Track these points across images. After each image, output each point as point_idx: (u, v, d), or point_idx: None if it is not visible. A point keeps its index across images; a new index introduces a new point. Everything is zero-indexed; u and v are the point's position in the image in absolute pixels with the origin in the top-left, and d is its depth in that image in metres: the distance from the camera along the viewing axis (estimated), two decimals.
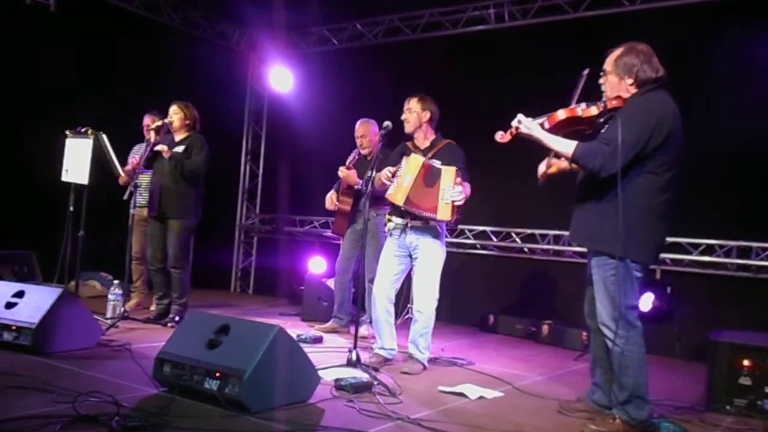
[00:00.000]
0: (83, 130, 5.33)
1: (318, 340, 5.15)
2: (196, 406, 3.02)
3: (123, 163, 5.57)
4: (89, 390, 3.04)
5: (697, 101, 5.55)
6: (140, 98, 6.37)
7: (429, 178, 4.20)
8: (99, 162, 5.32)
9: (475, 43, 7.05)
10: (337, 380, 3.60)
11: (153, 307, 5.60)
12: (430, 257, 4.34)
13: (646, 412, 3.15)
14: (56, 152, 5.42)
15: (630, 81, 3.17)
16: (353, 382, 3.55)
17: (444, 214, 4.16)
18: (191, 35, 7.83)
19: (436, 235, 4.34)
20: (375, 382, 3.66)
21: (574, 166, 3.36)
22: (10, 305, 3.99)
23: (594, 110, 3.17)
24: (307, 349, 3.56)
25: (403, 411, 3.24)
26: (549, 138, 3.14)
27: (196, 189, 5.35)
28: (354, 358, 4.02)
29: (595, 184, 3.16)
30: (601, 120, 3.18)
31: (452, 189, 4.14)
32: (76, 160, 5.30)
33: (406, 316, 4.50)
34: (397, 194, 4.21)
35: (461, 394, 3.72)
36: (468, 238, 6.99)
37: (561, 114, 3.17)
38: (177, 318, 5.19)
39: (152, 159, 5.34)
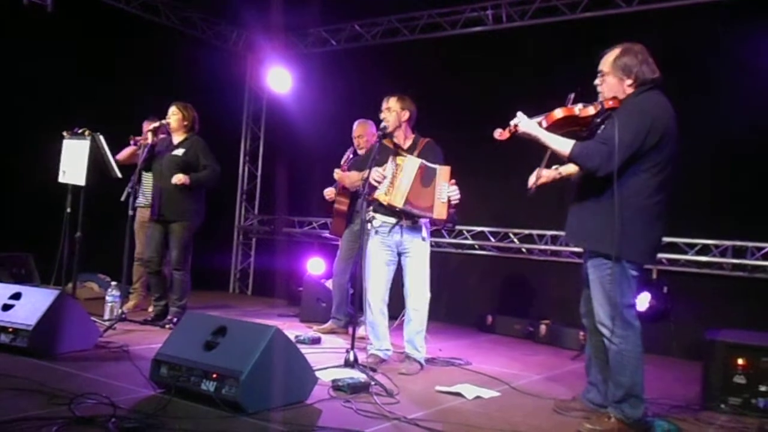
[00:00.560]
0: (80, 131, 5.33)
1: (316, 341, 5.16)
2: (193, 407, 3.02)
3: (120, 166, 5.56)
4: (86, 392, 3.05)
5: (693, 101, 5.55)
6: (138, 99, 6.39)
7: (425, 178, 4.24)
8: (96, 163, 5.32)
9: (473, 44, 7.06)
10: (334, 381, 3.60)
11: (151, 309, 5.61)
12: (422, 256, 4.40)
13: (641, 411, 3.17)
14: (53, 154, 5.43)
15: (629, 82, 3.18)
16: (350, 383, 3.56)
17: (440, 212, 4.20)
18: (189, 36, 7.83)
19: (423, 233, 4.41)
20: (372, 383, 3.67)
21: (564, 174, 3.37)
22: (7, 307, 3.99)
23: (591, 110, 3.18)
24: (305, 349, 3.57)
25: (400, 411, 3.25)
26: (547, 136, 3.14)
27: (198, 191, 5.35)
28: (351, 358, 4.03)
29: (590, 184, 3.17)
30: (598, 120, 3.18)
31: (447, 187, 4.20)
32: (73, 161, 5.30)
33: (402, 317, 4.49)
34: (395, 196, 4.22)
35: (458, 394, 3.73)
36: (466, 238, 6.99)
37: (558, 113, 3.18)
38: (175, 319, 5.19)
39: (151, 161, 5.35)
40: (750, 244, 5.60)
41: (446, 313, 6.88)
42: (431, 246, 4.55)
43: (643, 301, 5.43)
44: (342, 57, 8.01)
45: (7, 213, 6.10)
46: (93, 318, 4.51)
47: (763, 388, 3.74)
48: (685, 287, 5.71)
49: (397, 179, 4.24)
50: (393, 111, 4.40)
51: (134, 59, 7.04)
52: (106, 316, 5.21)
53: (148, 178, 5.69)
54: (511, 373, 4.52)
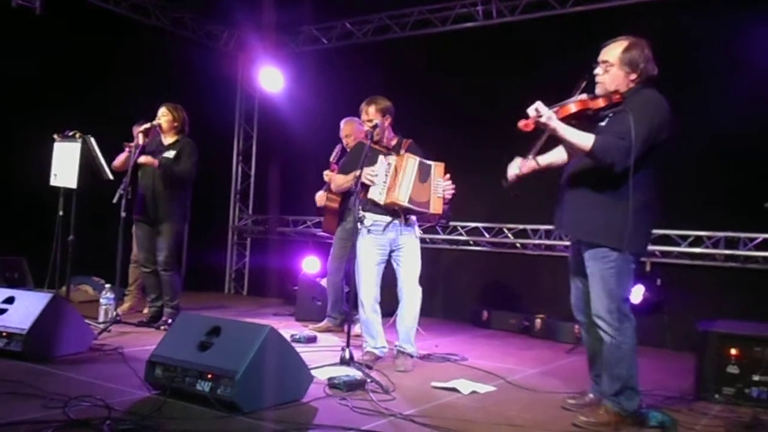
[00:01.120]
0: (71, 133, 5.32)
1: (312, 339, 5.16)
2: (189, 407, 3.02)
3: (115, 172, 5.55)
4: (81, 394, 3.04)
5: (684, 95, 5.56)
6: (129, 101, 6.37)
7: (422, 174, 4.29)
8: (88, 166, 5.31)
9: (464, 40, 7.06)
10: (330, 379, 3.61)
11: (146, 310, 5.60)
12: (415, 254, 4.44)
13: (636, 403, 3.19)
14: (44, 157, 5.41)
15: (634, 76, 3.17)
16: (346, 381, 3.56)
17: (436, 207, 4.28)
18: (180, 36, 7.82)
19: (416, 230, 4.48)
20: (368, 380, 3.67)
21: (542, 165, 3.35)
22: (0, 311, 3.98)
23: (600, 102, 3.16)
24: (300, 348, 3.58)
25: (396, 407, 3.26)
26: (565, 129, 3.07)
27: (185, 192, 5.35)
28: (347, 356, 4.04)
29: (593, 177, 3.14)
30: (604, 114, 3.15)
31: (442, 182, 4.29)
32: (65, 164, 5.29)
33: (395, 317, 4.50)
34: (400, 195, 4.23)
35: (454, 390, 3.74)
36: (461, 234, 7.00)
37: (573, 107, 3.12)
38: (170, 321, 5.19)
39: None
40: (742, 234, 5.64)
41: (442, 309, 6.90)
42: (425, 242, 4.58)
43: (637, 293, 5.45)
44: (333, 55, 8.01)
45: (0, 217, 6.08)
46: (87, 321, 4.49)
47: (756, 378, 3.77)
48: (678, 279, 5.74)
49: (398, 178, 4.25)
50: (374, 121, 4.41)
51: (125, 60, 7.02)
52: (101, 318, 5.19)
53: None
54: (506, 367, 4.54)
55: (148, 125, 5.33)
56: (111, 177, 5.46)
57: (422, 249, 4.58)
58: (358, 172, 4.28)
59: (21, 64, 6.19)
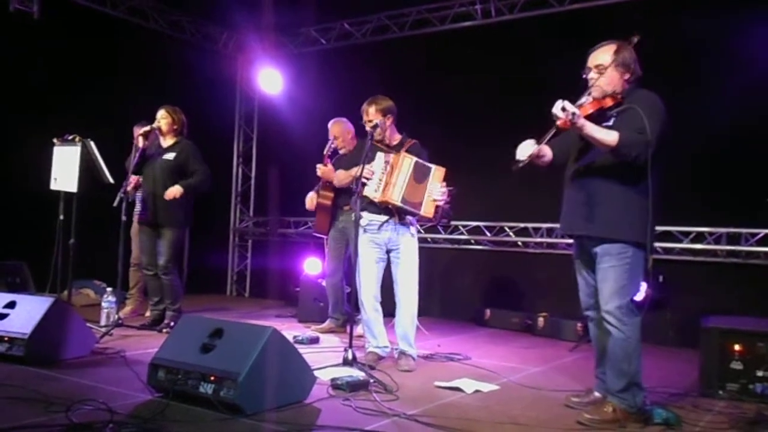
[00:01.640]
0: (71, 137, 5.32)
1: (314, 340, 5.16)
2: (192, 410, 3.02)
3: (112, 171, 5.54)
4: (83, 398, 3.05)
5: (684, 93, 5.57)
6: (129, 104, 6.37)
7: (418, 175, 4.25)
8: (88, 169, 5.31)
9: (463, 39, 7.06)
10: (333, 380, 3.61)
11: (148, 314, 5.60)
12: (411, 255, 4.40)
13: (641, 399, 3.19)
14: (44, 161, 5.41)
15: (627, 76, 3.22)
16: (349, 381, 3.56)
17: (428, 210, 4.24)
18: (178, 39, 7.83)
19: (411, 230, 4.42)
20: (371, 380, 3.67)
21: (543, 154, 3.30)
22: (2, 316, 3.99)
23: (609, 102, 3.18)
24: (303, 349, 3.58)
25: (399, 408, 3.25)
26: (592, 127, 3.05)
27: (187, 196, 5.34)
28: (350, 357, 4.04)
29: (611, 174, 3.14)
30: (610, 113, 3.16)
31: (440, 188, 4.23)
32: (65, 168, 5.29)
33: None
34: (393, 193, 4.22)
35: (457, 389, 3.74)
36: (462, 233, 7.00)
37: (589, 107, 3.14)
38: (172, 324, 5.18)
39: (142, 165, 5.34)
40: (744, 230, 5.63)
41: (443, 308, 6.89)
42: (426, 242, 4.56)
43: (641, 291, 5.42)
44: (332, 56, 8.01)
45: (1, 222, 6.08)
46: (89, 324, 4.51)
47: (760, 374, 3.76)
48: (681, 275, 5.73)
49: (392, 176, 4.24)
50: (374, 121, 4.40)
51: (124, 64, 7.03)
52: (103, 322, 5.19)
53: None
54: (509, 366, 4.54)
55: (147, 128, 5.34)
56: (111, 180, 5.46)
57: (423, 248, 4.58)
58: (358, 170, 4.28)
59: (20, 69, 6.20)
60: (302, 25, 7.97)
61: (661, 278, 5.42)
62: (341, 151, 5.66)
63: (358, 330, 4.80)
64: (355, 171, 4.39)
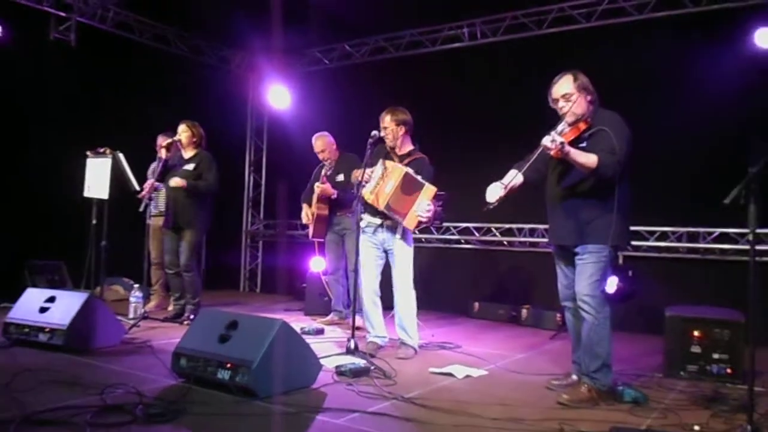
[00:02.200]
0: (102, 150, 5.37)
1: (320, 331, 5.18)
2: (211, 394, 3.05)
3: (139, 179, 5.60)
4: (115, 382, 3.09)
5: (650, 105, 5.65)
6: (152, 120, 6.40)
7: (407, 187, 4.15)
8: (117, 179, 5.35)
9: (453, 59, 7.10)
10: (337, 367, 3.63)
11: (171, 308, 5.63)
12: (404, 255, 4.33)
13: (611, 378, 3.26)
14: (78, 171, 5.46)
15: (590, 98, 3.27)
16: (352, 368, 3.58)
17: (410, 222, 4.14)
18: (196, 61, 7.86)
19: (405, 232, 4.32)
20: (372, 367, 3.69)
21: (514, 187, 3.36)
22: (43, 310, 4.03)
23: (583, 125, 3.23)
24: (309, 339, 3.60)
25: (397, 391, 3.28)
26: (576, 153, 3.09)
27: (205, 202, 5.37)
28: (352, 346, 4.07)
29: (590, 191, 3.21)
30: (584, 136, 3.22)
31: (427, 206, 4.07)
32: (97, 177, 5.33)
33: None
34: (378, 198, 4.21)
35: (450, 374, 3.76)
36: (453, 234, 7.04)
37: (570, 135, 3.18)
38: (192, 316, 5.21)
39: (165, 174, 5.38)
40: (701, 229, 5.71)
41: (436, 302, 6.90)
42: (420, 242, 4.56)
43: (612, 284, 5.47)
44: (335, 74, 8.04)
45: (41, 226, 6.13)
46: (119, 317, 4.54)
47: (716, 356, 3.83)
48: (647, 270, 5.77)
49: (383, 182, 4.22)
50: (390, 129, 4.38)
51: (149, 84, 7.06)
52: (131, 315, 5.23)
53: (162, 192, 5.74)
54: (497, 353, 4.57)
55: (170, 140, 5.39)
56: (138, 188, 5.51)
57: (418, 247, 4.55)
58: (360, 173, 4.28)
59: (59, 90, 6.26)
60: (307, 46, 8.00)
61: (630, 272, 5.46)
62: (326, 162, 5.69)
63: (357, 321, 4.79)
64: (357, 173, 4.36)
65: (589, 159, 3.08)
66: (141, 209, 5.33)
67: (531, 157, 3.24)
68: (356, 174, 4.40)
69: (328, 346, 4.48)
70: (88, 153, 5.41)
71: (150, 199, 5.45)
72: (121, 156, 5.37)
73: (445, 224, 6.92)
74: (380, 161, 4.32)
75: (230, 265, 8.58)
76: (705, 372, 3.83)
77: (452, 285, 6.97)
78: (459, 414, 2.93)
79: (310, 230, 5.69)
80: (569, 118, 3.24)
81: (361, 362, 3.75)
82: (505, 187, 3.33)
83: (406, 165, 4.29)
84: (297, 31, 7.10)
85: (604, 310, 3.21)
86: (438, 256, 7.10)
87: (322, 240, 5.78)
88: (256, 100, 8.76)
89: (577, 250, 3.28)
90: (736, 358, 3.79)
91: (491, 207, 3.33)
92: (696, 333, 3.89)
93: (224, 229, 8.00)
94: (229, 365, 3.07)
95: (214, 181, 5.30)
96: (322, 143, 5.67)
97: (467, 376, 3.75)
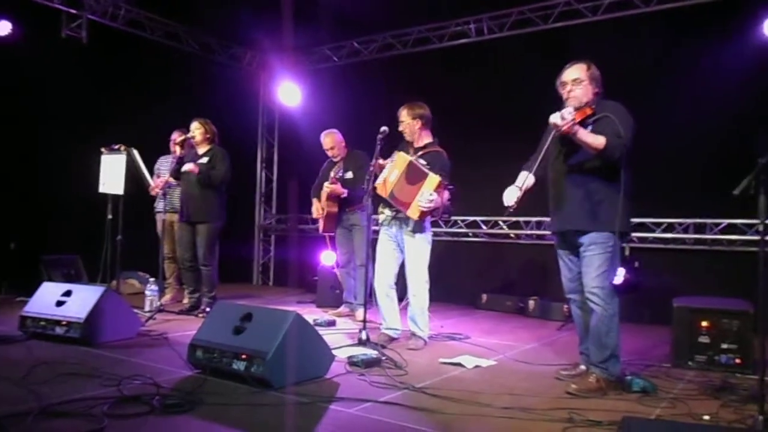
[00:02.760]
0: (117, 147, 5.37)
1: (331, 323, 5.17)
2: (226, 384, 3.05)
3: (152, 173, 5.59)
4: (132, 374, 3.09)
5: (657, 100, 5.58)
6: (166, 117, 6.40)
7: (412, 176, 4.10)
8: (131, 175, 5.36)
9: (461, 55, 7.05)
10: (349, 357, 3.62)
11: (185, 301, 5.64)
12: (416, 248, 4.28)
13: (619, 368, 3.23)
14: (94, 168, 5.47)
15: (597, 90, 3.25)
16: (364, 359, 3.57)
17: (413, 212, 4.06)
18: (208, 59, 7.85)
19: (419, 226, 4.24)
20: (383, 358, 3.68)
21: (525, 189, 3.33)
22: (60, 303, 4.04)
23: (588, 110, 3.18)
24: (321, 331, 3.58)
25: (409, 381, 3.27)
26: (584, 132, 3.06)
27: (220, 195, 5.36)
28: (364, 337, 4.05)
29: (595, 177, 3.16)
30: (588, 121, 3.18)
31: (429, 195, 3.99)
32: (112, 173, 5.34)
33: (408, 300, 4.49)
34: (386, 186, 4.18)
35: (459, 365, 3.75)
36: (461, 227, 7.01)
37: (577, 116, 3.12)
38: (207, 309, 5.21)
39: (179, 170, 5.37)
40: (708, 221, 5.64)
41: (445, 294, 6.87)
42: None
43: (619, 275, 5.42)
44: (344, 71, 8.01)
45: (58, 221, 6.14)
46: (135, 310, 4.55)
47: (724, 346, 3.79)
48: (654, 261, 5.73)
49: (389, 172, 4.20)
50: (406, 123, 4.35)
51: (161, 81, 7.05)
52: (146, 308, 5.24)
53: (174, 188, 5.74)
54: (505, 344, 4.54)
55: (182, 138, 5.39)
56: (152, 184, 5.50)
57: None
58: (370, 175, 4.25)
59: (71, 87, 6.24)
60: (317, 44, 7.97)
61: (637, 264, 5.42)
62: (335, 160, 5.66)
63: (358, 315, 4.77)
64: (376, 165, 4.29)
65: (597, 139, 3.05)
66: (155, 205, 5.32)
67: (537, 156, 3.23)
68: (376, 166, 4.31)
69: (340, 337, 4.47)
70: (103, 149, 5.42)
71: (164, 194, 5.44)
72: (135, 152, 5.38)
73: (453, 218, 6.89)
74: (394, 153, 4.29)
75: (243, 259, 8.59)
76: (713, 362, 3.79)
77: (460, 277, 6.95)
78: (470, 403, 2.92)
79: (321, 225, 5.68)
80: (573, 102, 3.19)
81: (372, 353, 3.74)
82: (521, 189, 3.33)
83: (419, 157, 4.25)
84: (306, 29, 7.08)
85: (613, 302, 3.18)
86: (446, 249, 7.07)
87: (332, 234, 5.76)
88: (266, 98, 8.75)
89: (582, 240, 3.22)
90: (745, 348, 3.74)
91: (511, 210, 3.32)
92: (704, 323, 3.85)
93: (237, 224, 8.02)
94: (244, 356, 3.07)
95: (226, 172, 5.29)
96: (331, 140, 5.65)
97: (477, 367, 3.73)
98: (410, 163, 4.14)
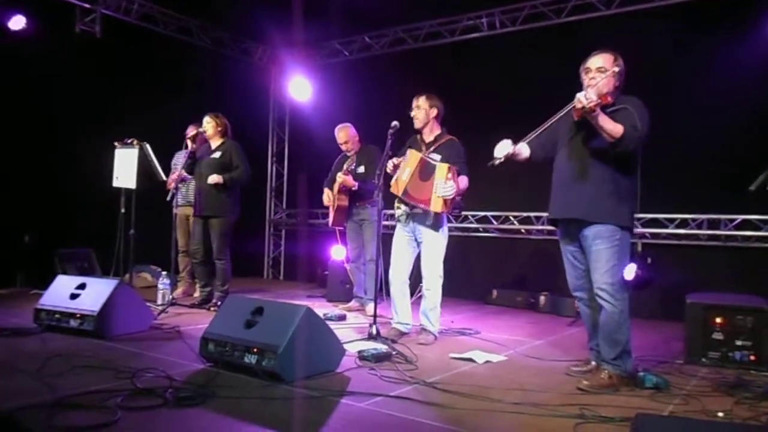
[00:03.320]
0: (129, 141, 5.40)
1: (342, 317, 5.18)
2: (238, 378, 3.06)
3: (165, 168, 5.62)
4: (145, 367, 3.11)
5: (671, 94, 5.52)
6: (178, 111, 6.42)
7: (424, 172, 4.12)
8: (144, 169, 5.38)
9: (472, 49, 7.01)
10: (360, 352, 3.62)
11: (197, 294, 5.67)
12: (433, 242, 4.28)
13: (631, 364, 3.21)
14: (107, 162, 5.49)
15: (618, 84, 3.18)
16: (375, 353, 3.57)
17: (436, 206, 4.06)
18: (220, 54, 7.87)
19: (437, 221, 4.24)
20: (394, 352, 3.67)
21: (516, 152, 3.29)
22: (74, 296, 4.06)
23: (610, 99, 3.12)
24: (332, 325, 3.58)
25: (419, 376, 3.27)
26: (604, 117, 3.00)
27: (233, 190, 5.37)
28: (374, 332, 4.05)
29: (606, 166, 3.11)
30: (608, 110, 3.11)
31: (444, 184, 4.00)
32: (125, 167, 5.37)
33: (419, 294, 4.49)
34: (398, 185, 4.18)
35: (470, 360, 3.74)
36: (471, 222, 6.99)
37: (597, 101, 3.05)
38: (219, 303, 5.23)
39: (192, 165, 5.39)
40: (722, 216, 5.59)
41: (456, 289, 6.85)
42: None
43: (631, 271, 5.39)
44: (355, 66, 8.00)
45: (71, 215, 6.19)
46: (148, 303, 4.57)
47: (738, 343, 3.75)
48: (667, 257, 5.69)
49: (401, 170, 4.19)
50: (422, 109, 4.35)
51: (173, 75, 7.07)
52: (159, 301, 5.27)
53: (188, 182, 5.76)
54: (515, 339, 4.53)
55: (194, 132, 5.41)
56: (165, 179, 5.53)
57: None
58: (381, 169, 4.23)
59: (85, 82, 6.27)
60: (327, 39, 7.96)
61: (649, 260, 5.38)
62: (349, 154, 5.66)
63: (368, 309, 4.77)
64: (390, 162, 4.29)
65: (616, 127, 2.99)
66: (168, 199, 5.35)
67: (539, 129, 3.16)
68: (391, 163, 4.31)
69: (350, 331, 4.47)
70: (116, 144, 5.45)
71: (177, 189, 5.47)
72: (147, 147, 5.40)
73: (464, 213, 6.86)
74: (408, 150, 4.28)
75: (254, 253, 8.62)
76: (727, 359, 3.76)
77: (471, 272, 6.93)
78: (480, 398, 2.91)
79: (330, 218, 5.68)
80: (593, 91, 3.08)
81: (383, 347, 3.74)
82: (513, 147, 3.24)
83: (435, 149, 4.27)
84: (317, 24, 7.07)
85: (623, 297, 3.14)
86: (457, 244, 6.98)
87: (342, 228, 5.76)
88: (277, 92, 8.75)
89: (586, 233, 3.17)
90: (759, 345, 3.70)
91: (497, 163, 3.23)
92: (718, 320, 3.81)
93: (248, 219, 8.02)
94: (255, 350, 3.08)
95: (246, 169, 5.32)
96: (345, 134, 5.64)
97: (487, 362, 3.72)
98: (421, 160, 4.15)
